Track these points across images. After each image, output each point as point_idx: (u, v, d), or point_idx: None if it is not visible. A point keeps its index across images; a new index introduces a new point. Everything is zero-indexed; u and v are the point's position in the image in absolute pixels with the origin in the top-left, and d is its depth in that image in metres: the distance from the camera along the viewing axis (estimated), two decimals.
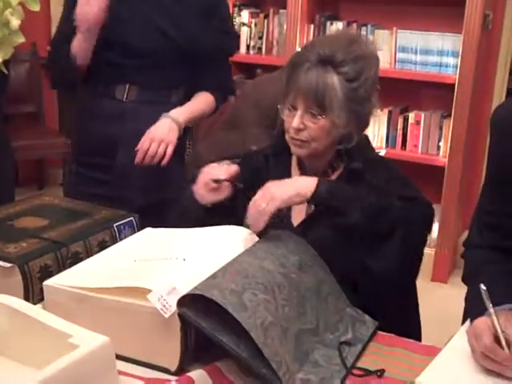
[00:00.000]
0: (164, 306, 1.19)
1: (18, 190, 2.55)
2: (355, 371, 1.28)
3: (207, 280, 1.26)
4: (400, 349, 1.37)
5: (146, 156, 1.99)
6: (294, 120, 1.53)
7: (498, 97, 3.65)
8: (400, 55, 3.70)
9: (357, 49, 1.53)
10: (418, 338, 1.58)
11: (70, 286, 1.30)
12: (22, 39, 1.75)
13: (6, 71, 1.84)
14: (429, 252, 3.71)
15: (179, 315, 1.20)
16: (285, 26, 3.87)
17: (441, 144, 3.68)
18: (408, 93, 3.79)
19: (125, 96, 2.07)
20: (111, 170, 2.10)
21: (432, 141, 3.70)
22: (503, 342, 1.15)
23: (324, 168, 1.61)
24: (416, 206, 1.52)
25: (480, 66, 3.52)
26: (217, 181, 1.56)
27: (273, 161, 1.67)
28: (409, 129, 3.74)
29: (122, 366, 1.19)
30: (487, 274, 1.36)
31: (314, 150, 1.56)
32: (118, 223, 1.61)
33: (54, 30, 4.54)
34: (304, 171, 1.64)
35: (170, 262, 1.35)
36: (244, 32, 4.00)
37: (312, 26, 3.84)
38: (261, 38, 4.07)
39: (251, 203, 1.45)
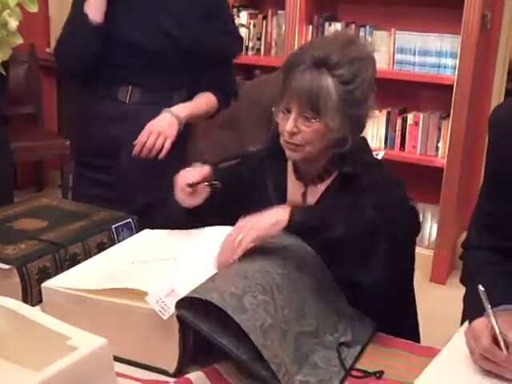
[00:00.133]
0: (162, 308, 1.19)
1: (17, 192, 2.55)
2: (354, 373, 1.28)
3: (206, 282, 1.25)
4: (399, 350, 1.37)
5: (143, 148, 1.98)
6: (288, 123, 1.50)
7: (497, 97, 3.65)
8: (398, 56, 3.70)
9: (353, 50, 1.51)
10: (417, 339, 1.58)
11: (69, 287, 1.30)
12: (20, 40, 1.75)
13: (4, 73, 1.84)
14: (427, 253, 3.71)
15: (178, 317, 1.20)
16: (283, 27, 3.87)
17: (439, 145, 3.68)
18: (406, 94, 3.79)
19: (127, 98, 2.07)
20: (112, 171, 2.09)
21: (430, 142, 3.70)
22: (502, 344, 1.15)
23: (319, 172, 1.59)
24: (393, 208, 1.46)
25: (478, 67, 3.52)
26: (191, 185, 1.54)
27: (269, 164, 1.65)
28: (407, 130, 3.74)
29: (120, 367, 1.19)
30: (485, 275, 1.36)
31: (308, 153, 1.53)
32: (116, 225, 1.61)
33: (52, 31, 4.58)
34: (299, 175, 1.62)
35: (167, 263, 1.35)
36: (242, 33, 3.99)
37: (310, 26, 3.84)
38: (259, 39, 4.07)
39: (226, 236, 1.39)
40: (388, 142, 3.79)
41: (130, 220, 1.65)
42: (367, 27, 3.76)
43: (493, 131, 1.43)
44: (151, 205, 2.00)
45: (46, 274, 1.39)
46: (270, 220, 1.36)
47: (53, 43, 4.55)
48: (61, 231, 1.53)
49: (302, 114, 1.50)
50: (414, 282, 1.63)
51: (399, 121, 3.75)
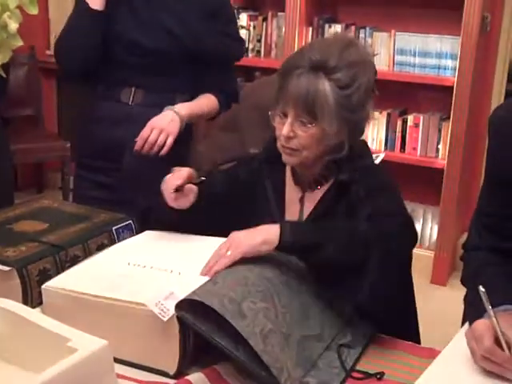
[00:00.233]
0: (162, 310, 1.20)
1: (18, 194, 2.55)
2: (355, 374, 1.28)
3: (207, 285, 1.25)
4: (399, 351, 1.37)
5: (145, 144, 1.98)
6: (284, 128, 1.48)
7: (497, 99, 3.65)
8: (398, 58, 3.70)
9: (351, 54, 1.48)
10: (417, 340, 1.58)
11: (68, 290, 1.30)
12: (20, 43, 1.74)
13: (4, 75, 1.84)
14: (428, 254, 3.71)
15: (178, 318, 1.20)
16: (283, 29, 3.88)
17: (440, 146, 3.68)
18: (407, 95, 3.79)
19: (131, 99, 2.07)
20: (114, 173, 2.09)
21: (431, 143, 3.70)
22: (504, 344, 1.15)
23: (316, 177, 1.58)
24: (388, 221, 1.43)
25: (478, 68, 3.52)
26: (176, 189, 1.52)
27: (267, 167, 1.63)
28: (408, 131, 3.74)
29: (120, 369, 1.20)
30: (486, 275, 1.36)
31: (304, 158, 1.51)
32: (116, 226, 1.61)
33: (52, 33, 4.59)
34: (297, 180, 1.61)
35: (163, 274, 1.35)
36: (242, 35, 3.99)
37: (310, 28, 3.84)
38: (259, 40, 4.08)
39: (216, 248, 1.38)
40: (388, 143, 3.79)
41: (130, 222, 1.65)
42: (367, 29, 3.77)
43: (493, 132, 1.43)
44: (153, 206, 2.00)
45: (47, 276, 1.39)
46: (260, 238, 1.35)
47: (52, 45, 4.56)
48: (61, 233, 1.53)
49: (298, 119, 1.48)
50: (415, 284, 1.63)
51: (399, 122, 3.75)
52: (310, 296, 1.37)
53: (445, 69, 3.60)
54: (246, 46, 4.01)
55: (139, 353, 1.24)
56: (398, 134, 3.76)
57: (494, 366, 1.16)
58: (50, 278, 1.38)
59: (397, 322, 1.41)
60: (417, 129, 3.71)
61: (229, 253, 1.35)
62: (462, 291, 1.44)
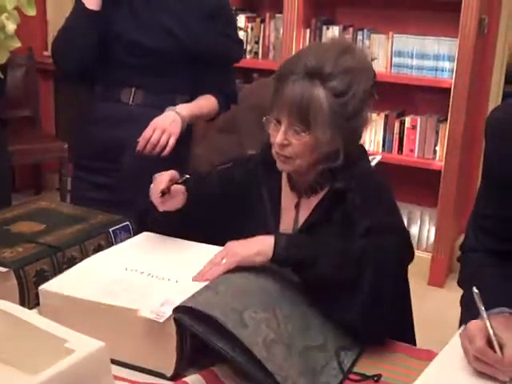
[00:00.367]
0: (158, 314, 1.19)
1: (15, 195, 2.55)
2: (352, 376, 1.28)
3: (208, 294, 1.25)
4: (397, 353, 1.37)
5: (147, 144, 1.98)
6: (278, 136, 1.46)
7: (494, 100, 3.66)
8: (396, 60, 3.71)
9: (347, 60, 1.45)
10: (412, 342, 1.57)
11: (66, 295, 1.29)
12: (17, 44, 1.74)
13: (2, 76, 1.84)
14: (425, 256, 3.72)
15: (175, 320, 1.20)
16: (281, 31, 3.88)
17: (437, 148, 3.69)
18: (404, 97, 3.79)
19: (131, 99, 2.07)
20: (113, 173, 2.09)
21: (428, 145, 3.71)
22: (496, 345, 1.16)
23: (311, 184, 1.56)
24: (382, 239, 1.40)
25: (476, 70, 3.53)
26: (162, 193, 1.50)
27: (263, 171, 1.61)
28: (405, 133, 3.74)
29: (117, 371, 1.19)
30: (482, 277, 1.36)
31: (298, 166, 1.50)
32: (113, 228, 1.61)
33: (50, 34, 4.58)
34: (293, 186, 1.59)
35: (162, 283, 1.35)
36: (240, 36, 4.00)
37: (308, 30, 3.84)
38: (257, 42, 4.08)
39: (212, 257, 1.39)
40: (386, 145, 3.80)
41: (127, 223, 1.65)
42: (365, 31, 3.77)
43: (490, 133, 1.43)
44: (150, 207, 2.00)
45: (44, 277, 1.39)
46: (255, 249, 1.36)
47: (50, 46, 4.56)
48: (58, 234, 1.53)
49: (292, 127, 1.45)
50: (412, 286, 1.63)
51: (397, 124, 3.75)
52: (309, 308, 1.37)
53: (442, 71, 3.61)
54: (244, 47, 4.01)
55: (136, 354, 1.24)
56: (396, 136, 3.76)
57: (486, 367, 1.17)
58: (47, 279, 1.37)
59: (392, 329, 1.40)
60: (414, 130, 3.72)
61: (224, 261, 1.36)
62: (459, 293, 1.45)
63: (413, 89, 3.71)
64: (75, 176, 2.23)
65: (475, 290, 1.18)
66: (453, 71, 3.49)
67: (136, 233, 1.64)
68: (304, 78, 1.43)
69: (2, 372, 1.14)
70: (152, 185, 1.53)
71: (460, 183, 3.63)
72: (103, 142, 2.09)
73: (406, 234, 1.50)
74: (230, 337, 1.18)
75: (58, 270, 1.43)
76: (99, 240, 1.56)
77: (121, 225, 1.63)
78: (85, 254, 1.50)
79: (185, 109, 2.06)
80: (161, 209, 1.52)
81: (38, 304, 1.35)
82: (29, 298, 1.38)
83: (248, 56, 4.05)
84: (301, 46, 3.83)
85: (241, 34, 3.97)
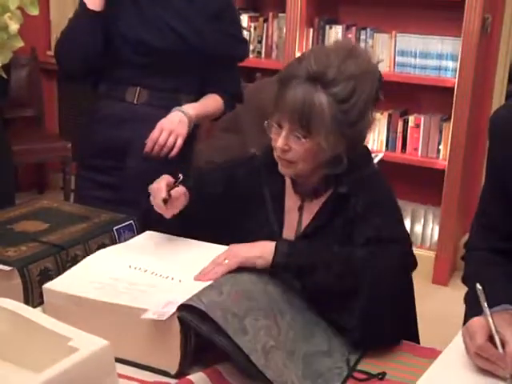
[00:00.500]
0: (161, 314, 1.19)
1: (19, 195, 2.55)
2: (356, 374, 1.28)
3: (211, 294, 1.25)
4: (401, 352, 1.37)
5: (155, 146, 1.98)
6: (279, 141, 1.45)
7: (498, 99, 3.65)
8: (399, 59, 3.71)
9: (351, 65, 1.42)
10: (416, 340, 1.57)
11: (70, 294, 1.30)
12: (20, 43, 1.74)
13: (5, 76, 1.84)
14: (429, 255, 3.71)
15: (179, 318, 1.20)
16: (284, 30, 3.88)
17: (440, 147, 3.68)
18: (407, 96, 3.79)
19: (135, 99, 2.07)
20: (117, 172, 2.09)
21: (432, 144, 3.70)
22: (498, 342, 1.16)
23: (314, 187, 1.55)
24: (384, 250, 1.40)
25: (479, 70, 3.52)
26: (164, 201, 1.48)
27: (267, 172, 1.59)
28: (408, 132, 3.74)
29: (121, 369, 1.19)
30: (486, 275, 1.36)
31: (300, 171, 1.48)
32: (117, 226, 1.61)
33: (53, 34, 4.59)
34: (296, 187, 1.58)
35: (166, 282, 1.35)
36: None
37: (311, 29, 3.84)
38: (260, 41, 4.08)
39: (215, 257, 1.39)
40: (389, 144, 3.79)
41: (131, 222, 1.65)
42: (368, 30, 3.77)
43: (494, 132, 1.43)
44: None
45: (47, 276, 1.39)
46: (257, 252, 1.37)
47: (53, 46, 4.56)
48: (62, 233, 1.53)
49: (293, 132, 1.43)
50: (416, 284, 1.62)
51: (400, 123, 3.75)
52: (312, 315, 1.37)
53: (446, 70, 3.60)
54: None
55: (140, 352, 1.24)
56: (399, 135, 3.76)
57: (487, 364, 1.17)
58: (50, 277, 1.38)
59: (394, 335, 1.40)
60: (418, 129, 3.71)
61: (226, 261, 1.36)
62: (464, 291, 1.44)
63: (416, 88, 3.70)
64: (79, 175, 2.23)
65: (478, 286, 1.18)
66: (456, 70, 3.49)
67: (140, 231, 1.64)
68: (306, 83, 1.41)
69: (6, 370, 1.14)
70: (151, 196, 1.52)
71: (464, 182, 3.62)
72: (107, 141, 2.09)
73: (407, 243, 1.49)
74: (231, 341, 1.18)
75: (61, 268, 1.43)
76: (103, 239, 1.56)
77: (124, 224, 1.63)
78: (88, 253, 1.50)
79: (191, 109, 2.06)
80: (168, 216, 1.51)
81: (41, 303, 1.36)
82: (33, 296, 1.38)
83: (251, 55, 4.04)
84: (304, 46, 3.83)
85: (244, 34, 3.98)
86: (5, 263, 1.37)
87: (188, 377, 1.18)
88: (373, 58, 1.52)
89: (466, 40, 3.40)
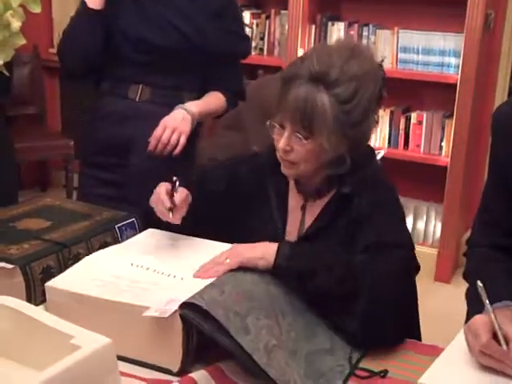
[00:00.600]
0: (163, 312, 1.20)
1: (22, 192, 2.55)
2: (358, 372, 1.28)
3: (213, 292, 1.25)
4: (403, 349, 1.37)
5: (158, 143, 1.99)
6: (281, 141, 1.44)
7: (501, 96, 3.65)
8: (402, 55, 3.70)
9: (354, 66, 1.41)
10: (418, 337, 1.57)
11: (72, 292, 1.30)
12: (22, 41, 1.74)
13: (7, 73, 1.84)
14: (432, 252, 3.71)
15: (181, 316, 1.20)
16: (286, 27, 3.87)
17: (443, 144, 3.68)
18: (410, 93, 3.78)
19: (138, 96, 2.07)
20: (120, 169, 2.09)
21: (434, 141, 3.70)
22: (501, 339, 1.15)
23: (317, 187, 1.54)
24: (385, 255, 1.39)
25: (482, 66, 3.51)
26: (170, 210, 1.47)
27: (271, 171, 1.58)
28: (411, 129, 3.74)
29: (123, 366, 1.19)
30: (487, 271, 1.36)
31: (302, 171, 1.48)
32: (119, 224, 1.61)
33: (55, 32, 4.59)
34: (299, 187, 1.57)
35: (168, 280, 1.35)
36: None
37: (313, 26, 3.84)
38: (262, 38, 4.07)
39: (217, 255, 1.39)
40: (392, 140, 3.79)
41: (133, 219, 1.65)
42: (370, 26, 3.76)
43: (496, 128, 1.43)
44: None
45: (50, 274, 1.39)
46: (259, 253, 1.37)
47: (56, 44, 4.56)
48: (64, 231, 1.53)
49: (295, 133, 1.43)
50: (418, 281, 1.62)
51: (403, 120, 3.75)
52: (314, 315, 1.37)
53: (448, 66, 3.60)
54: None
55: (142, 350, 1.24)
56: (402, 132, 3.76)
57: (492, 362, 1.16)
58: (53, 275, 1.38)
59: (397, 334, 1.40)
60: (420, 126, 3.71)
61: (227, 261, 1.36)
62: (466, 288, 1.44)
63: (419, 84, 3.70)
64: (82, 172, 2.23)
65: (479, 283, 1.18)
66: (459, 67, 3.48)
67: (142, 229, 1.64)
68: (308, 83, 1.40)
69: (8, 368, 1.14)
70: (155, 208, 1.50)
71: (466, 178, 3.62)
72: (110, 139, 2.09)
73: (409, 247, 1.48)
74: (233, 339, 1.19)
75: (64, 266, 1.43)
76: (105, 237, 1.57)
77: (126, 221, 1.64)
78: (91, 251, 1.50)
79: (194, 106, 2.06)
80: (177, 222, 1.49)
81: (44, 300, 1.36)
82: (35, 294, 1.38)
83: (253, 52, 4.03)
84: (306, 43, 3.83)
85: (246, 31, 3.98)
86: (7, 261, 1.37)
87: (190, 374, 1.18)
88: (376, 56, 1.51)
89: (468, 36, 3.39)
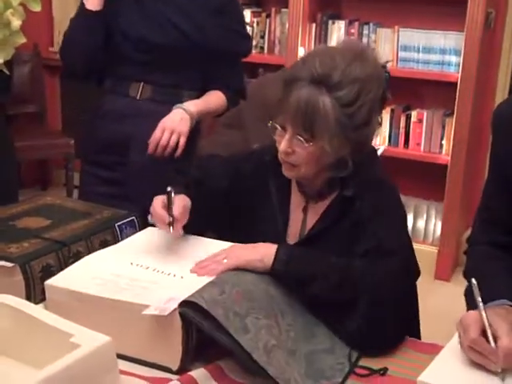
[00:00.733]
0: (162, 310, 1.20)
1: (22, 191, 2.55)
2: (358, 370, 1.28)
3: (213, 292, 1.25)
4: (402, 347, 1.37)
5: (158, 146, 1.98)
6: (282, 144, 1.43)
7: (501, 94, 3.65)
8: (402, 54, 3.70)
9: (357, 69, 1.40)
10: (417, 336, 1.57)
11: (72, 290, 1.30)
12: (23, 40, 1.74)
13: (7, 72, 1.84)
14: (432, 250, 3.71)
15: (180, 314, 1.20)
16: (287, 25, 3.87)
17: (443, 142, 3.68)
18: (410, 91, 3.78)
19: (139, 94, 2.08)
20: (120, 167, 2.09)
21: (435, 139, 3.70)
22: (490, 336, 1.16)
23: (319, 189, 1.53)
24: (385, 261, 1.38)
25: (482, 64, 3.51)
26: (170, 224, 1.44)
27: (273, 170, 1.56)
28: (411, 127, 3.74)
29: (123, 365, 1.19)
30: (486, 269, 1.37)
31: (303, 174, 1.47)
32: (119, 223, 1.61)
33: (56, 30, 4.59)
34: (301, 187, 1.56)
35: (168, 279, 1.35)
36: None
37: (314, 24, 3.84)
38: (263, 37, 4.07)
39: (215, 253, 1.39)
40: (392, 139, 3.79)
41: (133, 218, 1.65)
42: (371, 24, 3.76)
43: (497, 126, 1.43)
44: None
45: (50, 272, 1.39)
46: (258, 256, 1.37)
47: (56, 43, 4.57)
48: (64, 229, 1.53)
49: (296, 136, 1.41)
50: (418, 279, 1.61)
51: (403, 118, 3.75)
52: (313, 316, 1.37)
53: (449, 65, 3.60)
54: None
55: (142, 349, 1.25)
56: (402, 130, 3.76)
57: (480, 358, 1.17)
58: (52, 274, 1.38)
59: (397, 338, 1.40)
60: (420, 124, 3.71)
61: (225, 261, 1.36)
62: None
63: (419, 83, 3.70)
64: (83, 171, 2.23)
65: (473, 281, 1.19)
66: (459, 65, 3.48)
67: (141, 228, 1.64)
68: (310, 85, 1.38)
69: (8, 366, 1.14)
70: (157, 225, 1.47)
71: (466, 177, 3.62)
72: (110, 136, 2.10)
73: (410, 252, 1.47)
74: (232, 338, 1.19)
75: (63, 265, 1.43)
76: (105, 235, 1.57)
77: (126, 220, 1.64)
78: (90, 249, 1.50)
79: (192, 106, 2.06)
80: (178, 235, 1.48)
81: (44, 299, 1.36)
82: (35, 293, 1.38)
83: (254, 51, 4.03)
84: (306, 41, 3.83)
85: (247, 30, 3.98)
86: (7, 260, 1.37)
87: (189, 373, 1.18)
88: (381, 59, 1.50)
89: (469, 35, 3.39)
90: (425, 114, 3.70)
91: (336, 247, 1.44)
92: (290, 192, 1.59)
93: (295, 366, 1.24)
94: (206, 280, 1.31)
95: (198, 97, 2.11)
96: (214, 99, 2.15)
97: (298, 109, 1.39)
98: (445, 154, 3.66)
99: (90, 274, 1.35)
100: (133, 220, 1.65)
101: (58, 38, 2.23)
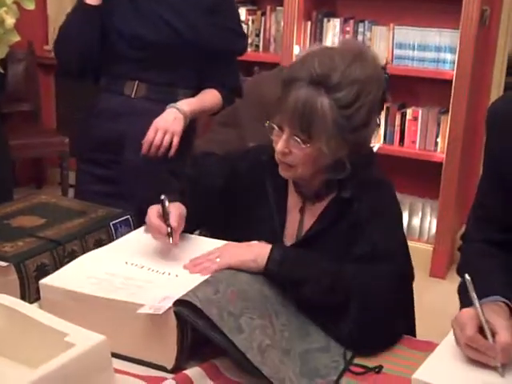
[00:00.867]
0: (157, 309, 1.19)
1: (17, 190, 2.54)
2: (353, 368, 1.28)
3: (207, 291, 1.24)
4: (397, 345, 1.37)
5: (151, 147, 1.98)
6: (279, 144, 1.42)
7: (496, 92, 3.65)
8: (397, 51, 3.70)
9: (356, 70, 1.39)
10: (412, 333, 1.57)
11: (67, 290, 1.30)
12: (16, 38, 1.74)
13: (2, 70, 1.83)
14: (427, 248, 3.72)
15: (175, 313, 1.20)
16: (282, 23, 3.87)
17: (438, 140, 3.68)
18: (405, 89, 3.78)
19: (133, 92, 2.07)
20: (115, 165, 2.09)
21: (430, 137, 3.70)
22: (488, 333, 1.16)
23: (316, 190, 1.52)
24: (376, 268, 1.37)
25: (477, 62, 3.52)
26: (168, 235, 1.41)
27: (270, 170, 1.54)
28: (406, 125, 3.74)
29: (118, 364, 1.20)
30: (479, 266, 1.37)
31: (300, 174, 1.46)
32: (114, 221, 1.61)
33: (50, 28, 4.58)
34: (298, 188, 1.56)
35: (162, 278, 1.35)
36: None
37: (309, 22, 3.83)
38: (258, 35, 4.07)
39: (209, 251, 1.38)
40: (387, 137, 3.79)
41: (128, 216, 1.65)
42: (366, 22, 3.76)
43: (491, 124, 1.43)
44: (154, 200, 2.00)
45: (44, 271, 1.39)
46: (252, 256, 1.36)
47: (51, 41, 4.55)
48: (59, 228, 1.53)
49: (293, 137, 1.40)
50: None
51: (398, 116, 3.75)
52: (307, 316, 1.37)
53: (444, 62, 3.60)
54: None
55: (137, 347, 1.24)
56: (397, 128, 3.76)
57: (478, 355, 1.17)
58: (47, 273, 1.38)
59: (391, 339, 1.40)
60: (416, 122, 3.71)
61: (218, 260, 1.36)
62: None
63: (414, 80, 3.70)
64: (79, 169, 2.23)
65: (467, 277, 1.19)
66: (454, 63, 3.49)
67: (136, 226, 1.64)
68: (309, 86, 1.37)
69: (2, 365, 1.14)
70: (153, 236, 1.45)
71: (461, 175, 3.62)
72: (105, 135, 2.09)
73: (405, 256, 1.47)
74: (226, 338, 1.19)
75: (58, 264, 1.43)
76: (99, 234, 1.56)
77: (121, 218, 1.63)
78: (85, 248, 1.50)
79: (186, 105, 2.06)
80: (177, 245, 1.45)
81: (38, 298, 1.35)
82: (29, 292, 1.38)
83: (249, 49, 4.01)
84: (302, 39, 3.83)
85: (243, 28, 3.97)
86: (1, 259, 1.37)
87: (185, 371, 1.18)
88: (380, 60, 1.49)
89: (464, 32, 3.39)
90: (420, 111, 3.70)
91: (333, 249, 1.44)
92: (286, 192, 1.58)
93: (290, 365, 1.24)
94: (200, 279, 1.31)
95: (193, 95, 2.11)
96: (210, 98, 2.15)
97: (295, 109, 1.38)
98: (440, 152, 3.67)
99: (84, 274, 1.35)
100: (127, 219, 1.64)
101: (53, 36, 2.23)
